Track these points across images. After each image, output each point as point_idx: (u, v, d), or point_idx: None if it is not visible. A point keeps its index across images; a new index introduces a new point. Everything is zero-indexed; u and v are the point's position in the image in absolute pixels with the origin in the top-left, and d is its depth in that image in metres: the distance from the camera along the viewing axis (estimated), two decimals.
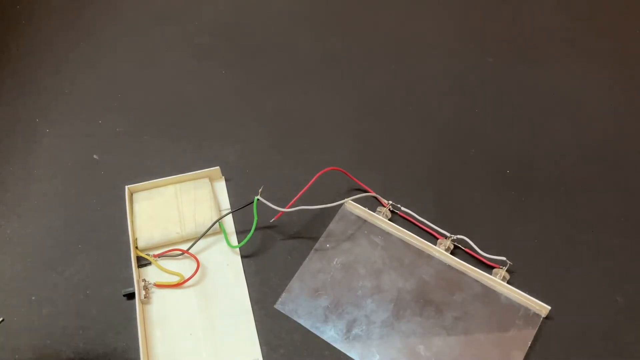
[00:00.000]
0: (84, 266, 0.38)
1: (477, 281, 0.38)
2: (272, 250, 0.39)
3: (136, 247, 0.38)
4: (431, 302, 0.37)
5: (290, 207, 0.37)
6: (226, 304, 0.36)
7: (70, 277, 0.38)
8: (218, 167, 0.42)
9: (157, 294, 0.36)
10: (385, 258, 0.39)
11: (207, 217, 0.39)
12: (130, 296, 0.36)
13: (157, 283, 0.37)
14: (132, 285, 0.36)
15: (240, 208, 0.39)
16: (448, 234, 0.40)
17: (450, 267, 0.38)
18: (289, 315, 0.36)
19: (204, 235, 0.38)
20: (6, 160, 0.44)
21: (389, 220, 0.40)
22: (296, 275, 0.38)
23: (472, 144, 0.47)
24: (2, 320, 0.36)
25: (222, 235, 0.39)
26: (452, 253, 0.39)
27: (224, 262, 0.38)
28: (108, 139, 0.45)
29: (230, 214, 0.40)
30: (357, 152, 0.46)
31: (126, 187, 0.40)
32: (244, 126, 0.47)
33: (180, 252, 0.38)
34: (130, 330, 0.34)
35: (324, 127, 0.47)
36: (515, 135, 0.48)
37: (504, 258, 0.38)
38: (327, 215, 0.41)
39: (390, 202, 0.41)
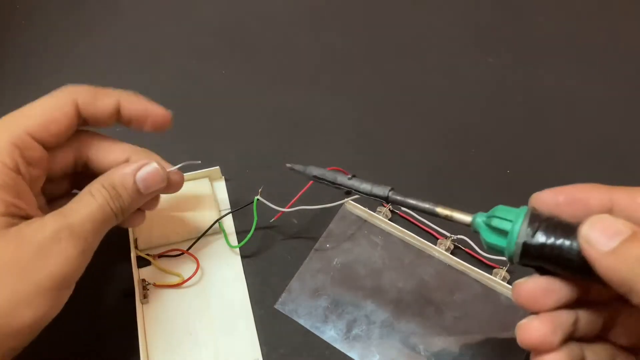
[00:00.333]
0: None
1: (477, 281, 0.38)
2: (272, 250, 0.39)
3: (136, 247, 0.38)
4: (431, 302, 0.37)
5: (290, 207, 0.37)
6: (226, 304, 0.36)
7: None
8: (218, 167, 0.42)
9: (157, 294, 0.36)
10: (385, 258, 0.39)
11: (207, 217, 0.39)
12: (130, 296, 0.36)
13: (157, 283, 0.37)
14: (132, 285, 0.36)
15: (240, 208, 0.39)
16: (448, 234, 0.40)
17: (450, 267, 0.38)
18: (289, 315, 0.36)
19: (203, 235, 0.38)
20: None
21: (389, 220, 0.40)
22: (296, 275, 0.38)
23: (472, 144, 0.47)
24: None
25: (222, 235, 0.39)
26: (452, 253, 0.39)
27: (224, 262, 0.38)
28: None
29: (230, 214, 0.40)
30: (357, 152, 0.46)
31: None
32: (244, 126, 0.47)
33: (180, 252, 0.38)
34: (130, 330, 0.34)
35: (324, 127, 0.47)
36: (516, 135, 0.48)
37: (504, 258, 0.38)
38: (327, 215, 0.41)
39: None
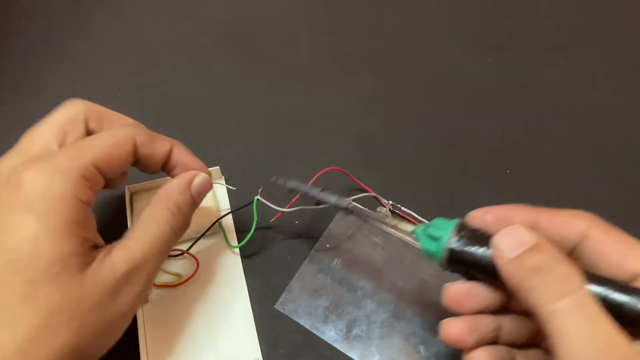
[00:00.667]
0: None
1: None
2: (272, 250, 0.39)
3: None
4: (431, 302, 0.37)
5: (290, 207, 0.37)
6: (226, 304, 0.36)
7: None
8: (218, 167, 0.42)
9: (157, 294, 0.36)
10: (385, 258, 0.39)
11: (207, 217, 0.39)
12: None
13: (156, 283, 0.37)
14: None
15: (240, 208, 0.39)
16: None
17: None
18: (289, 315, 0.36)
19: (203, 235, 0.38)
20: None
21: None
22: (296, 275, 0.38)
23: (472, 144, 0.47)
24: None
25: (222, 235, 0.39)
26: None
27: (224, 262, 0.38)
28: None
29: (230, 214, 0.40)
30: (357, 152, 0.46)
31: (126, 187, 0.40)
32: (244, 126, 0.47)
33: (179, 252, 0.38)
34: (130, 330, 0.34)
35: (324, 127, 0.48)
36: (516, 135, 0.48)
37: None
38: (327, 215, 0.41)
39: (390, 202, 0.41)
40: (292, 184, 0.35)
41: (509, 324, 0.28)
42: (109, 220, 0.40)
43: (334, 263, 0.39)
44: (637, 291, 0.24)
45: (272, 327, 0.36)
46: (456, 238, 0.27)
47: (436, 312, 0.36)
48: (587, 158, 0.47)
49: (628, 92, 0.52)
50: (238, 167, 0.44)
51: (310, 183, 0.38)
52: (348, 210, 0.33)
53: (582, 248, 0.26)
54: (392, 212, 0.41)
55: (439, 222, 0.29)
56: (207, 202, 0.40)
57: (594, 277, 0.25)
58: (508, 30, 0.57)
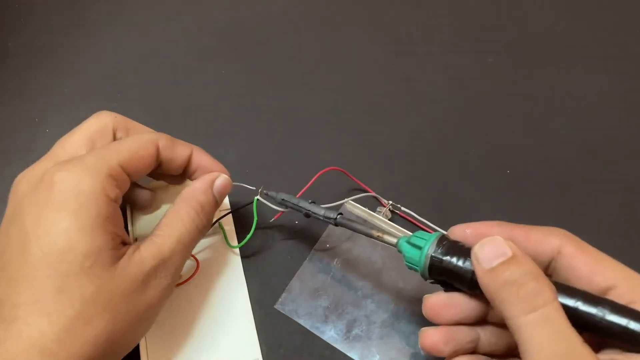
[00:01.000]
0: None
1: None
2: (272, 250, 0.39)
3: None
4: None
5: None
6: (226, 304, 0.36)
7: None
8: None
9: None
10: (385, 258, 0.39)
11: None
12: None
13: None
14: None
15: (240, 208, 0.39)
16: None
17: None
18: (289, 315, 0.36)
19: (203, 235, 0.38)
20: (6, 160, 0.44)
21: (389, 220, 0.40)
22: (296, 275, 0.38)
23: (472, 144, 0.47)
24: None
25: (222, 235, 0.39)
26: None
27: (224, 262, 0.38)
28: None
29: (230, 214, 0.40)
30: (357, 152, 0.46)
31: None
32: (244, 126, 0.47)
33: None
34: None
35: (324, 127, 0.48)
36: (516, 135, 0.48)
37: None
38: None
39: (390, 202, 0.41)
40: (283, 196, 0.36)
41: (487, 335, 0.29)
42: None
43: (334, 263, 0.39)
44: (606, 303, 0.25)
45: (272, 327, 0.36)
46: (437, 248, 0.28)
47: None
48: (587, 158, 0.47)
49: (628, 92, 0.52)
50: (238, 167, 0.44)
51: (310, 183, 0.38)
52: (336, 223, 0.34)
53: (556, 263, 0.28)
54: (392, 212, 0.41)
55: (421, 233, 0.30)
56: None
57: (567, 289, 0.26)
58: (509, 30, 0.57)
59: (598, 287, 0.27)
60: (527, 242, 0.28)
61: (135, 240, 0.38)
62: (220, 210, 0.41)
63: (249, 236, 0.37)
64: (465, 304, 0.29)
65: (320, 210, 0.34)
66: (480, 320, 0.30)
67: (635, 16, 0.59)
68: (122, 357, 0.29)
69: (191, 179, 0.35)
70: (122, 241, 0.29)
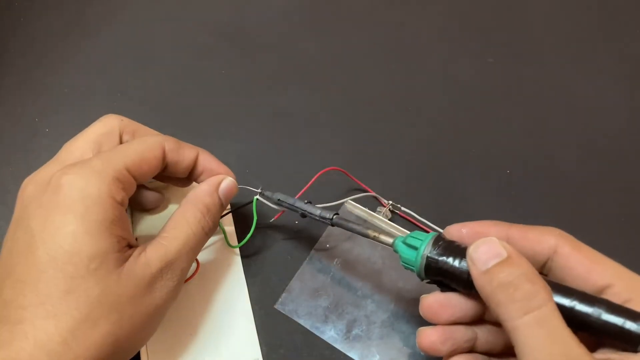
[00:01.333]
0: None
1: None
2: (272, 250, 0.39)
3: None
4: None
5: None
6: (226, 304, 0.36)
7: None
8: None
9: None
10: (385, 258, 0.39)
11: None
12: None
13: None
14: None
15: (240, 207, 0.39)
16: None
17: None
18: (289, 315, 0.36)
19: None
20: (6, 160, 0.44)
21: (389, 220, 0.40)
22: (296, 275, 0.38)
23: (472, 144, 0.47)
24: None
25: (222, 235, 0.39)
26: None
27: (224, 262, 0.38)
28: None
29: (230, 214, 0.40)
30: (357, 152, 0.46)
31: None
32: (244, 126, 0.47)
33: None
34: None
35: (324, 127, 0.48)
36: (516, 136, 0.48)
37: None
38: None
39: (390, 202, 0.41)
40: (279, 196, 0.36)
41: (484, 334, 0.30)
42: None
43: (334, 263, 0.39)
44: (602, 302, 0.25)
45: (272, 327, 0.36)
46: (433, 248, 0.28)
47: None
48: (586, 158, 0.47)
49: (628, 92, 0.52)
50: (238, 167, 0.44)
51: (310, 183, 0.38)
52: (332, 223, 0.34)
53: (552, 263, 0.28)
54: (392, 212, 0.41)
55: (417, 233, 0.30)
56: None
57: (563, 289, 0.26)
58: (509, 30, 0.57)
59: (594, 286, 0.27)
60: (523, 241, 0.28)
61: (136, 239, 0.38)
62: None
63: (248, 236, 0.37)
64: (462, 304, 0.29)
65: (316, 210, 0.34)
66: (477, 319, 0.30)
67: (636, 16, 0.59)
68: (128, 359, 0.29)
69: (197, 182, 0.35)
70: (128, 244, 0.29)
